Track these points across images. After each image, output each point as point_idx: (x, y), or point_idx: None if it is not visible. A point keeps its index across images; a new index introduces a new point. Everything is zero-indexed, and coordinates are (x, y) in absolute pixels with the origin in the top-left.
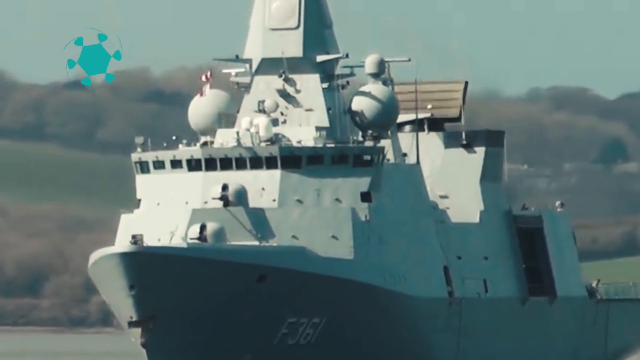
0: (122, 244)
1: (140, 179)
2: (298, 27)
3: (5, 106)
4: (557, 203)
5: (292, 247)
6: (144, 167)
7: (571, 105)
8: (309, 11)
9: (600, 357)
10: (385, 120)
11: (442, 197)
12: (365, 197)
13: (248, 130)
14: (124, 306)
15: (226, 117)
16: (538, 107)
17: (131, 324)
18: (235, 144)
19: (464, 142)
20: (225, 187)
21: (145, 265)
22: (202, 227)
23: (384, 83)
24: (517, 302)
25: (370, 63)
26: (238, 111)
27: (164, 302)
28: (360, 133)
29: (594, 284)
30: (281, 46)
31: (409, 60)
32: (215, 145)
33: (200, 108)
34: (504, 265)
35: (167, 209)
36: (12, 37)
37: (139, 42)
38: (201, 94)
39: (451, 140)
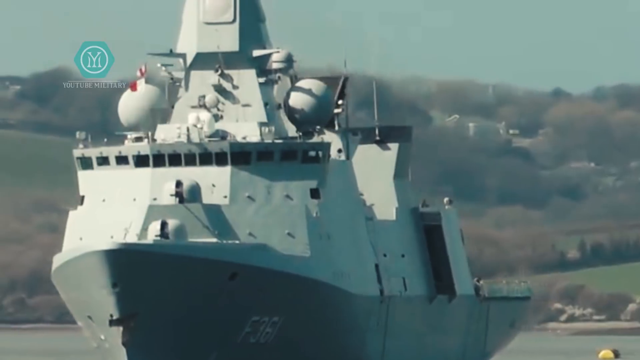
0: (102, 240)
1: (83, 175)
2: (234, 21)
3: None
4: (446, 200)
5: (258, 244)
6: (86, 163)
7: (637, 103)
8: (244, 5)
9: (480, 353)
10: (320, 116)
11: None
12: (315, 193)
13: (195, 125)
14: (104, 304)
15: (160, 113)
16: (604, 106)
17: (112, 322)
18: (184, 139)
19: (377, 138)
20: (179, 184)
21: (129, 263)
22: (164, 224)
23: (291, 79)
24: (426, 301)
25: (277, 58)
26: (173, 106)
27: (146, 300)
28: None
29: (477, 282)
30: (217, 40)
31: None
32: (158, 141)
33: (132, 103)
34: (416, 262)
35: (118, 205)
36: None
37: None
38: (133, 89)
39: (365, 137)
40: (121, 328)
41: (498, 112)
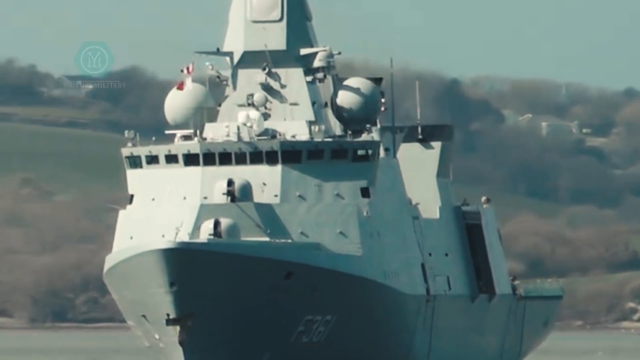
0: (161, 240)
1: (132, 174)
2: (281, 19)
3: (142, 104)
4: (483, 199)
5: (312, 243)
6: (135, 162)
7: None
8: (292, 3)
9: (516, 353)
10: (368, 114)
11: None
12: (365, 192)
13: (245, 124)
14: (160, 304)
15: (207, 111)
16: None
17: (169, 322)
18: (234, 138)
19: (420, 136)
20: (230, 183)
21: (188, 262)
22: (217, 223)
23: (333, 78)
24: (468, 300)
25: (324, 56)
26: (220, 105)
27: (202, 299)
28: (340, 127)
29: (514, 282)
30: (264, 39)
31: (325, 49)
32: (206, 139)
33: (179, 101)
34: (458, 261)
35: (168, 204)
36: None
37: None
38: (180, 87)
39: (408, 135)
40: (178, 327)
41: (571, 111)
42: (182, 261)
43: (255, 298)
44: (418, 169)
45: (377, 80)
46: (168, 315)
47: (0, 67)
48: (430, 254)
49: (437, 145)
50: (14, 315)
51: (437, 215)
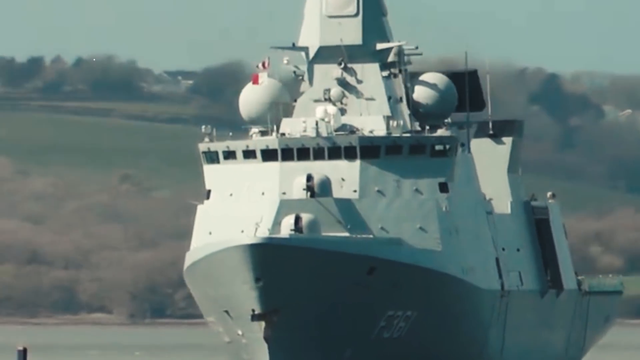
0: (247, 235)
1: (209, 170)
2: (357, 14)
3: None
4: (549, 194)
5: (393, 239)
6: (213, 157)
7: None
8: None
9: (580, 348)
10: (445, 110)
11: None
12: (444, 187)
13: (323, 119)
14: (245, 299)
15: (282, 107)
16: None
17: (254, 317)
18: (312, 133)
19: (491, 132)
20: (310, 178)
21: (274, 257)
22: (297, 219)
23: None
24: (538, 295)
25: (399, 51)
26: (295, 100)
27: (288, 294)
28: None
29: (578, 277)
30: (340, 34)
31: (401, 44)
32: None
33: (254, 97)
34: (529, 256)
35: (246, 199)
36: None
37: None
38: (255, 82)
39: (478, 130)
40: (263, 323)
41: None
42: (268, 256)
43: (339, 293)
44: (489, 165)
45: (472, 74)
46: (253, 310)
47: (101, 64)
48: (503, 249)
49: (507, 140)
50: (113, 312)
51: (509, 211)
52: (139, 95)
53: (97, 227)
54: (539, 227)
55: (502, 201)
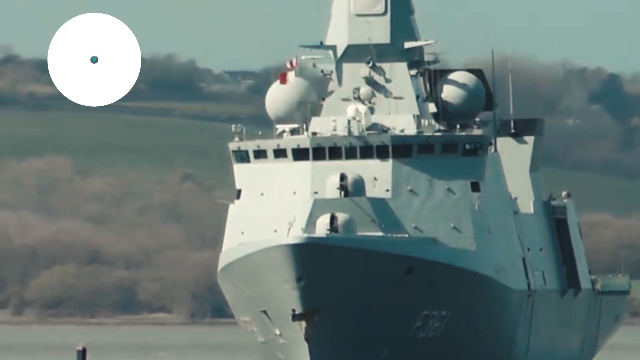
0: (290, 235)
1: (240, 169)
2: (385, 13)
3: None
4: (564, 193)
5: (429, 238)
6: (243, 157)
7: None
8: None
9: (593, 347)
10: (474, 109)
11: None
12: (475, 187)
13: (354, 118)
14: (285, 299)
15: (310, 106)
16: None
17: (295, 317)
18: (344, 132)
19: (513, 130)
20: (343, 177)
21: (315, 257)
22: (333, 218)
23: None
24: (559, 295)
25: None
26: (324, 99)
27: (329, 294)
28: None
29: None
30: (368, 32)
31: (430, 42)
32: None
33: (282, 95)
34: (550, 256)
35: (278, 199)
36: None
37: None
38: (283, 81)
39: (500, 129)
40: (304, 323)
41: None
42: (310, 256)
43: (378, 293)
44: (512, 164)
45: (479, 72)
46: (294, 310)
47: (161, 63)
48: (528, 249)
49: (530, 139)
50: (173, 311)
51: (532, 210)
52: (199, 95)
53: (158, 226)
54: (557, 227)
55: (525, 201)
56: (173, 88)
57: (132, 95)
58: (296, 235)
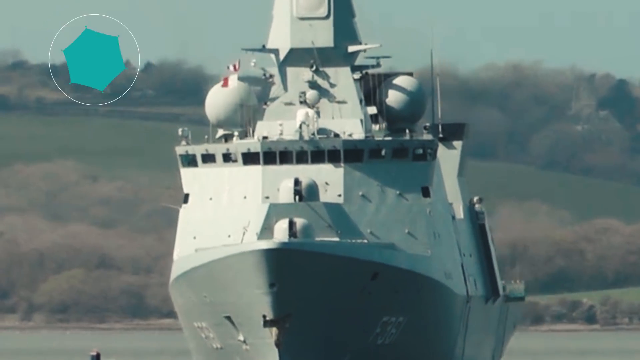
0: (261, 240)
1: (187, 173)
2: (328, 16)
3: None
4: (476, 198)
5: (388, 244)
6: (190, 161)
7: None
8: (338, 0)
9: (499, 353)
10: (416, 113)
11: None
12: (426, 192)
13: (304, 122)
14: (255, 305)
15: (250, 109)
16: None
17: (267, 323)
18: (295, 137)
19: (441, 135)
20: (297, 182)
21: (289, 262)
22: (292, 223)
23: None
24: (483, 301)
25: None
26: (266, 103)
27: (300, 299)
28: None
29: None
30: (311, 36)
31: (374, 46)
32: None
33: (223, 99)
34: (477, 262)
35: (229, 204)
36: None
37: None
38: (226, 84)
39: (428, 134)
40: (275, 329)
41: None
42: (283, 261)
43: (345, 299)
44: (442, 169)
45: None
46: (265, 316)
47: (169, 69)
48: (463, 255)
49: (458, 144)
50: None
51: (462, 215)
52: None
53: (166, 231)
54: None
55: (456, 206)
56: (181, 93)
57: (140, 100)
58: (268, 240)
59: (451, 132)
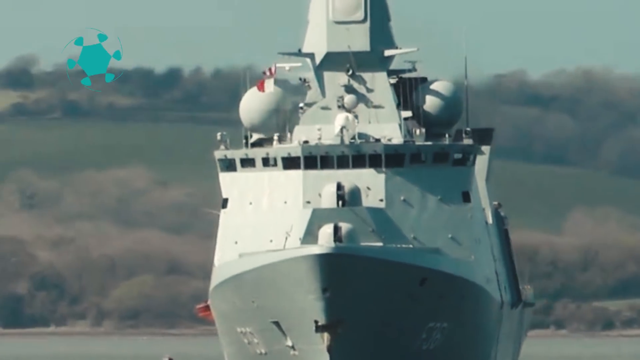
0: (316, 245)
1: (226, 177)
2: (365, 20)
3: None
4: (495, 203)
5: (434, 249)
6: (230, 165)
7: None
8: (375, 3)
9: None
10: (453, 117)
11: None
12: (467, 197)
13: (344, 127)
14: (307, 310)
15: (286, 114)
16: None
17: (318, 329)
18: (337, 141)
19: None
20: (340, 186)
21: (342, 267)
22: (337, 228)
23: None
24: (511, 307)
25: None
26: (301, 107)
27: (352, 305)
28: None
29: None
30: (347, 40)
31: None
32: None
33: (258, 104)
34: (504, 267)
35: (270, 208)
36: None
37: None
38: (261, 89)
39: (456, 139)
40: (326, 334)
41: None
42: (336, 267)
43: (394, 304)
44: None
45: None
46: (316, 321)
47: (238, 75)
48: (496, 260)
49: (486, 149)
50: None
51: (491, 220)
52: None
53: None
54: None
55: (485, 212)
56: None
57: (210, 106)
58: (321, 245)
59: (479, 137)
